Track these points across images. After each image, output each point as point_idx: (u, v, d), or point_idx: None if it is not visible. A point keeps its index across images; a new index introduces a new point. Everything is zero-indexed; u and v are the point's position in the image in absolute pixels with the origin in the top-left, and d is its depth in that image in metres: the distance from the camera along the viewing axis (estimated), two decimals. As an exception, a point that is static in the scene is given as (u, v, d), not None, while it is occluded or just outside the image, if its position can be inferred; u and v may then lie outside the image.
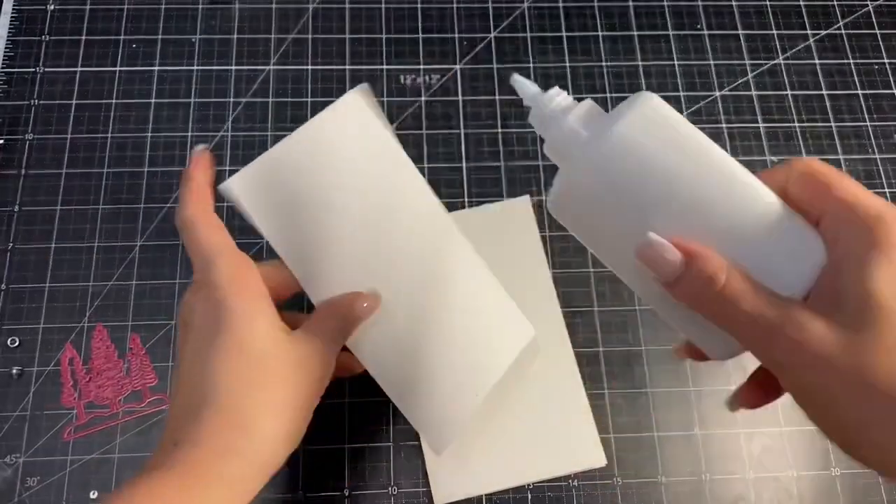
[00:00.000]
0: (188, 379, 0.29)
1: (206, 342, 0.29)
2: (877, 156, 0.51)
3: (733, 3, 0.56)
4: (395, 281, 0.35)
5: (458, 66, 0.53)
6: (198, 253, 0.31)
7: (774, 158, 0.51)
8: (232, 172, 0.48)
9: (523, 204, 0.48)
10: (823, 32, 0.55)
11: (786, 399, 0.46)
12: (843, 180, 0.24)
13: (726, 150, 0.54)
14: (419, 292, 0.35)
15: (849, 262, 0.22)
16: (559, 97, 0.28)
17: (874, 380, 0.21)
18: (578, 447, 0.43)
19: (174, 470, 0.26)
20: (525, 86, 0.29)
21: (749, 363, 0.47)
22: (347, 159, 0.34)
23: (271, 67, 0.52)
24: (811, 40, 0.55)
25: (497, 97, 0.52)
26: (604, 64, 0.53)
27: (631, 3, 0.55)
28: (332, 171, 0.34)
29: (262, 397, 0.28)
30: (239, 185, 0.33)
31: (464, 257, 0.37)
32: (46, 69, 0.51)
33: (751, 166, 0.54)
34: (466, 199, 0.49)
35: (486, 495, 0.42)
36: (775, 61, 0.54)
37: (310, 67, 0.52)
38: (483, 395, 0.35)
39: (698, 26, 0.55)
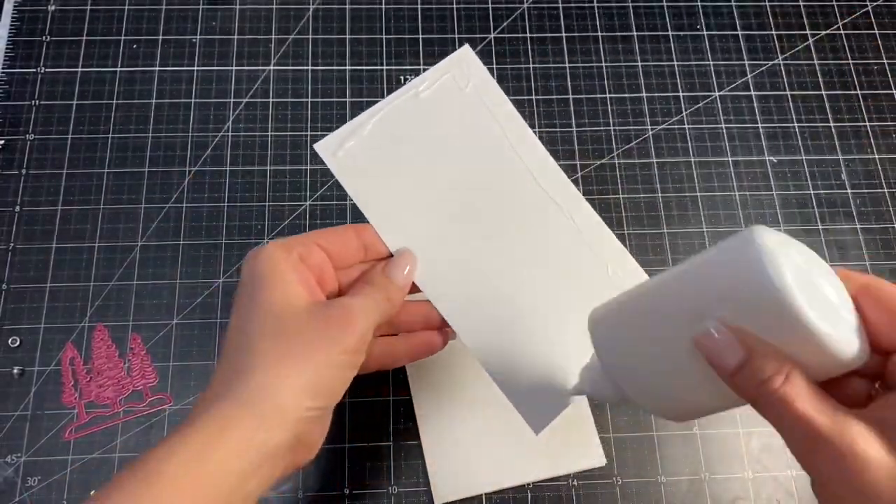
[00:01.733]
0: (227, 332, 0.30)
1: (237, 301, 0.31)
2: (876, 156, 0.51)
3: (732, 4, 0.56)
4: (492, 246, 0.35)
5: (458, 67, 0.53)
6: None
7: (774, 159, 0.51)
8: (232, 173, 0.49)
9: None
10: (823, 33, 0.55)
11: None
12: None
13: (725, 151, 0.55)
14: (520, 258, 0.35)
15: None
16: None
17: None
18: (579, 447, 0.43)
19: (191, 427, 0.26)
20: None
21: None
22: (446, 114, 0.35)
23: (271, 68, 0.52)
24: (810, 41, 0.55)
25: (497, 97, 0.52)
26: (603, 64, 0.53)
27: (630, 4, 0.55)
28: (428, 127, 0.35)
29: (266, 346, 0.28)
30: (322, 147, 0.35)
31: (582, 222, 0.36)
32: (47, 69, 0.51)
33: (750, 167, 0.54)
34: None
35: (485, 495, 0.42)
36: (774, 62, 0.54)
37: (310, 68, 0.52)
38: None
39: (697, 27, 0.55)
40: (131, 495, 0.24)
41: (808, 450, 0.22)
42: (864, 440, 0.21)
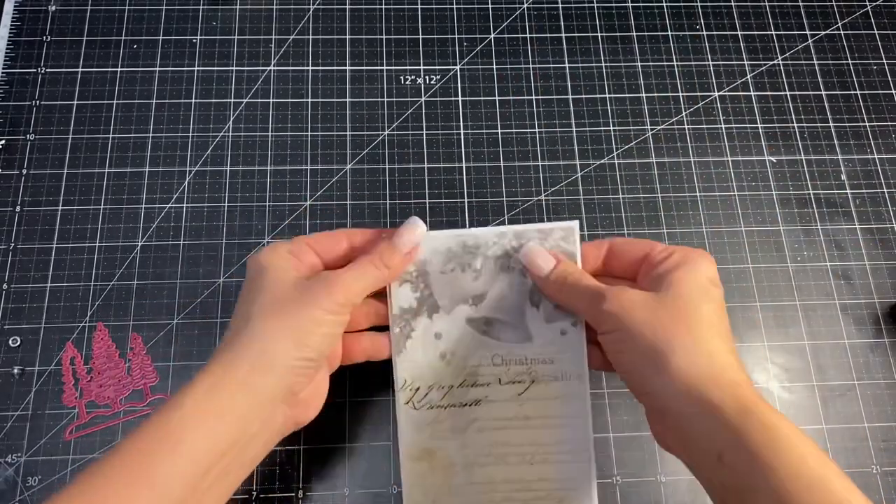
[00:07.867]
0: (234, 311, 0.35)
1: (243, 287, 0.36)
2: (875, 156, 0.51)
3: (732, 4, 0.56)
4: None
5: (458, 67, 0.53)
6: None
7: (773, 159, 0.51)
8: (232, 173, 0.49)
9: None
10: (822, 33, 0.55)
11: (783, 399, 0.47)
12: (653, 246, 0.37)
13: (724, 151, 0.55)
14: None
15: (664, 268, 0.35)
16: None
17: (663, 316, 0.33)
18: None
19: (203, 373, 0.32)
20: None
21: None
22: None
23: (272, 68, 0.52)
24: (810, 41, 0.55)
25: (497, 98, 0.52)
26: (603, 65, 0.53)
27: (630, 4, 0.55)
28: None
29: (260, 310, 0.33)
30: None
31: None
32: (48, 69, 0.51)
33: (750, 167, 0.54)
34: (466, 200, 0.49)
35: (485, 494, 0.42)
36: (774, 62, 0.54)
37: (310, 68, 0.52)
38: None
39: (697, 27, 0.55)
40: (160, 422, 0.30)
41: (597, 302, 0.35)
42: (627, 290, 0.34)
